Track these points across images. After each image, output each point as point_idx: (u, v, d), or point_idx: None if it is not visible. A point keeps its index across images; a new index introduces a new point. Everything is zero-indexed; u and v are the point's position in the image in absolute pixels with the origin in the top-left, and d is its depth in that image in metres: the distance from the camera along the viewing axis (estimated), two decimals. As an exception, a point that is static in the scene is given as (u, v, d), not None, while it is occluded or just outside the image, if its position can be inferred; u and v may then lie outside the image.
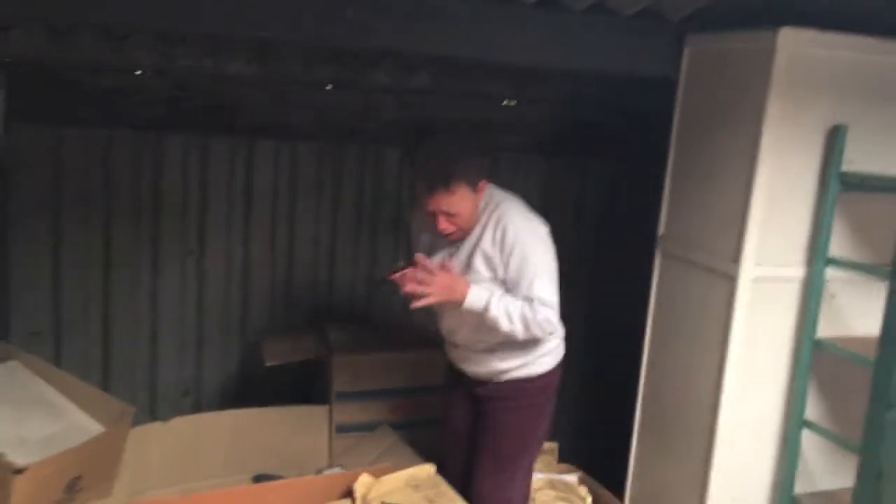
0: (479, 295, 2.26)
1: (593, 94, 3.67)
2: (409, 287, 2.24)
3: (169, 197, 3.34)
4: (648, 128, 3.10)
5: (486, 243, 2.33)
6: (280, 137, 3.45)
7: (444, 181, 2.20)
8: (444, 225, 2.28)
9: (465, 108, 3.58)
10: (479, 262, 2.33)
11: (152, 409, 3.44)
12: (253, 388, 3.52)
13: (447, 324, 2.51)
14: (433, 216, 2.28)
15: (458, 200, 2.25)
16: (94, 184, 3.23)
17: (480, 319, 2.29)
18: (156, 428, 2.92)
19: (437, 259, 2.40)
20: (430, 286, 2.23)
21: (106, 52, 3.10)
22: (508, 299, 2.28)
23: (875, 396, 0.73)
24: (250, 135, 3.41)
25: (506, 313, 2.25)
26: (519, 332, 2.28)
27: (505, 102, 3.61)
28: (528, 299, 2.27)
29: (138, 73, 3.16)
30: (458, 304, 2.26)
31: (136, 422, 2.79)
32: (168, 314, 3.43)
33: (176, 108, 3.25)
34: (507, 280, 2.32)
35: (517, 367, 2.46)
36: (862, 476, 0.75)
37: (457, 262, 2.38)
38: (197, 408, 3.45)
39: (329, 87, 3.40)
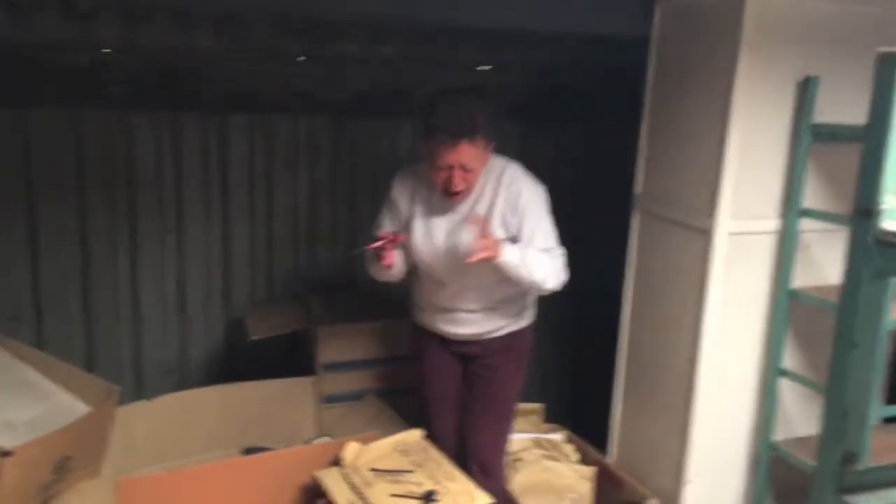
0: (510, 248, 2.30)
1: (566, 56, 3.66)
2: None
3: (143, 175, 3.31)
4: (623, 88, 3.11)
5: (501, 204, 2.37)
6: (252, 111, 3.42)
7: (470, 131, 2.22)
8: (459, 180, 2.28)
9: (436, 76, 3.56)
10: (496, 224, 2.37)
11: (138, 389, 3.44)
12: (238, 363, 3.53)
13: (447, 288, 2.48)
14: (448, 172, 2.27)
15: (477, 154, 2.28)
16: (65, 165, 3.19)
17: (500, 276, 2.33)
18: (142, 406, 2.92)
19: (438, 226, 2.41)
20: (487, 242, 2.23)
21: (70, 30, 3.05)
22: (530, 250, 2.34)
23: (839, 337, 0.76)
24: (222, 109, 3.37)
25: (537, 261, 2.32)
26: (546, 280, 2.35)
27: (478, 68, 3.60)
28: (546, 251, 2.37)
29: (105, 51, 3.12)
30: (496, 258, 2.26)
31: (123, 401, 2.79)
32: (149, 293, 3.41)
33: (145, 85, 3.20)
34: (520, 237, 2.37)
35: (510, 321, 2.54)
36: (828, 414, 0.78)
37: (468, 229, 2.36)
38: (183, 385, 3.45)
39: (300, 58, 3.37)
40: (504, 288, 2.45)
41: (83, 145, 3.20)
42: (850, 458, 0.77)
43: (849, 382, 0.73)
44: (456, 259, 2.40)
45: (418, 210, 2.46)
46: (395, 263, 2.42)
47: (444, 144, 2.24)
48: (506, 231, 2.39)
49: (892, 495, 0.80)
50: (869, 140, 0.72)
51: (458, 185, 2.30)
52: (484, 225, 2.30)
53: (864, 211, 0.73)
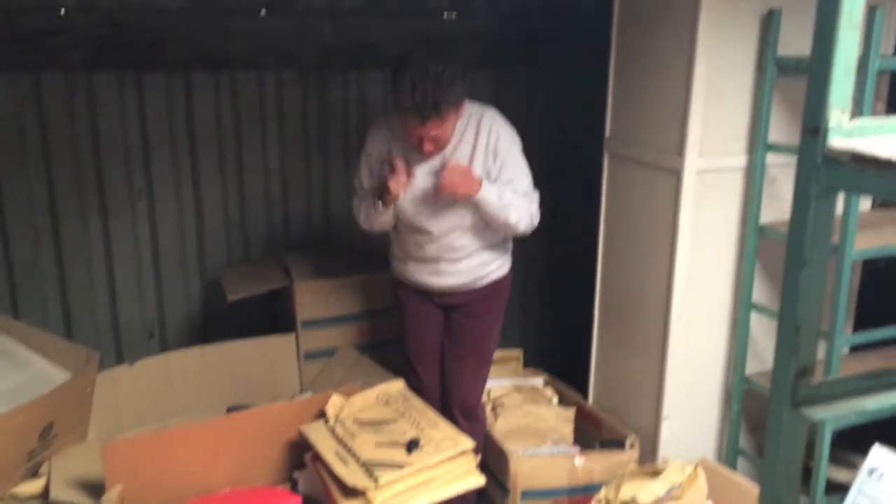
0: (489, 187, 2.36)
1: (533, 1, 3.63)
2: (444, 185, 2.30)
3: (108, 138, 3.26)
4: (591, 30, 3.09)
5: (481, 150, 2.40)
6: (217, 68, 3.36)
7: (436, 110, 2.22)
8: (430, 147, 2.32)
9: (405, 28, 3.52)
10: (478, 168, 2.40)
11: (118, 354, 3.44)
12: (217, 324, 3.53)
13: (428, 237, 2.49)
14: (418, 139, 2.30)
15: (446, 126, 2.30)
16: (28, 130, 3.13)
17: (479, 219, 2.40)
18: (124, 370, 2.93)
19: (418, 173, 2.42)
20: (454, 179, 2.30)
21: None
22: (507, 192, 2.39)
23: (790, 255, 0.78)
24: (186, 68, 3.31)
25: (513, 202, 2.38)
26: (520, 221, 2.41)
27: (445, 16, 3.56)
28: (524, 194, 2.43)
29: (62, 13, 3.04)
30: (473, 195, 2.33)
31: (103, 366, 2.80)
32: (123, 258, 3.39)
33: (105, 46, 3.13)
34: (498, 181, 2.41)
35: (494, 270, 2.58)
36: (782, 330, 0.80)
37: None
38: (163, 349, 3.46)
39: (263, 12, 3.31)
40: (484, 233, 2.48)
41: (45, 110, 3.14)
42: (803, 372, 0.80)
43: (800, 298, 0.75)
44: (437, 204, 2.41)
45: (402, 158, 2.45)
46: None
47: (412, 120, 2.25)
48: (486, 176, 2.41)
49: (848, 406, 0.83)
50: (814, 55, 0.73)
51: (430, 148, 2.33)
52: (464, 165, 2.35)
53: (811, 129, 0.74)
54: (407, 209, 2.46)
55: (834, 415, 0.79)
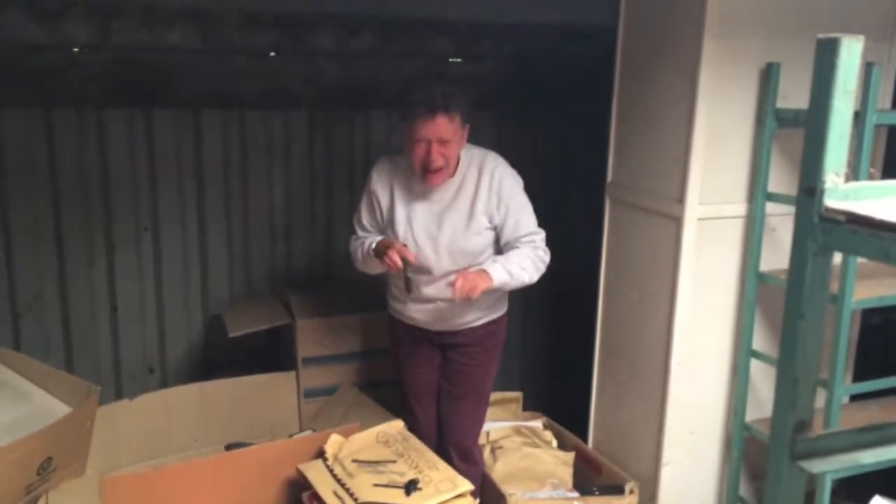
0: (498, 270, 2.38)
1: (536, 47, 3.70)
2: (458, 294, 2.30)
3: (117, 174, 3.30)
4: (593, 77, 3.15)
5: (483, 194, 2.42)
6: (225, 107, 3.42)
7: (446, 105, 2.27)
8: (437, 155, 2.31)
9: (409, 69, 3.58)
10: (479, 212, 2.42)
11: (118, 389, 3.44)
12: (218, 360, 3.53)
13: (427, 278, 2.49)
14: (426, 146, 2.31)
15: (454, 130, 2.32)
16: (38, 165, 3.17)
17: (477, 263, 2.43)
18: (124, 405, 2.93)
19: (420, 214, 2.44)
20: (469, 287, 2.30)
21: (38, 30, 3.04)
22: (514, 257, 2.42)
23: (788, 310, 0.80)
24: (195, 106, 3.37)
25: (522, 269, 2.41)
26: (533, 278, 2.45)
27: (450, 60, 3.63)
28: (528, 236, 2.45)
29: (75, 49, 3.11)
30: (490, 286, 2.35)
31: (103, 401, 2.79)
32: (126, 291, 3.40)
33: (116, 83, 3.19)
34: (503, 225, 2.44)
35: (489, 311, 2.60)
36: (780, 383, 0.82)
37: (452, 217, 2.42)
38: (163, 384, 3.46)
39: (272, 53, 3.38)
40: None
41: (56, 145, 3.19)
42: (801, 425, 0.81)
43: (798, 351, 0.77)
44: (438, 247, 2.43)
45: (399, 199, 2.48)
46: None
47: (422, 118, 2.28)
48: (488, 220, 2.43)
49: (844, 460, 0.85)
50: (811, 121, 0.76)
51: (437, 160, 2.32)
52: (466, 275, 2.34)
53: (807, 189, 0.77)
54: (409, 247, 2.45)
55: (832, 468, 0.80)
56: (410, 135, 2.33)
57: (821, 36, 0.73)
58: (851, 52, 0.74)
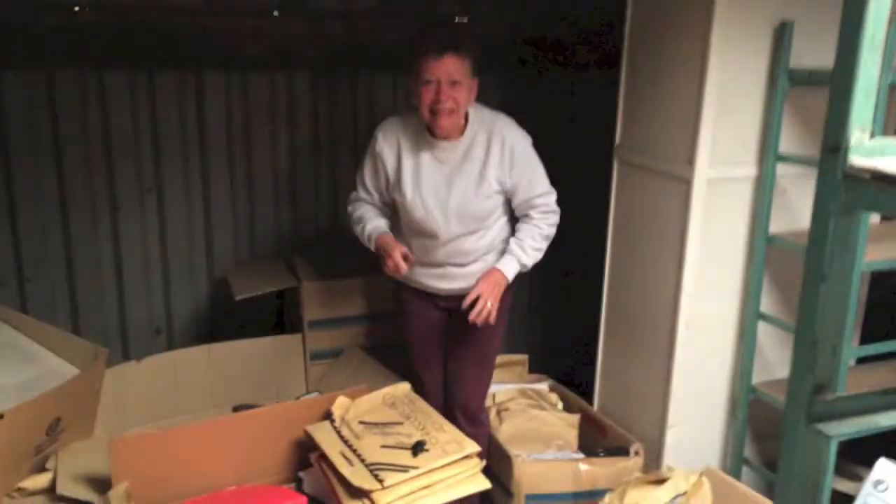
0: (512, 265, 2.44)
1: (544, 6, 3.64)
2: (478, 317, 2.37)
3: (120, 135, 3.27)
4: (602, 37, 3.10)
5: (495, 158, 2.38)
6: (229, 68, 3.37)
7: (455, 45, 2.23)
8: (446, 96, 2.25)
9: (415, 30, 3.52)
10: (490, 177, 2.39)
11: (125, 350, 3.45)
12: (224, 323, 3.54)
13: (438, 243, 2.47)
14: (434, 86, 2.26)
15: (464, 71, 2.27)
16: (40, 127, 3.14)
17: (486, 225, 2.46)
18: (131, 367, 2.95)
19: (429, 178, 2.41)
20: (489, 298, 2.37)
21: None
22: (526, 238, 2.45)
23: (808, 271, 0.78)
24: (197, 67, 3.33)
25: (537, 251, 2.47)
26: (548, 242, 2.51)
27: (456, 20, 3.58)
28: (541, 197, 2.45)
29: (75, 9, 3.06)
30: (508, 281, 2.44)
31: (110, 362, 2.81)
32: (131, 254, 3.40)
33: (117, 44, 3.15)
34: (515, 186, 2.42)
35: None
36: (799, 345, 0.81)
37: (462, 180, 2.39)
38: (170, 346, 3.47)
39: (275, 13, 3.33)
40: (490, 237, 2.48)
41: (58, 106, 3.16)
42: (820, 387, 0.80)
43: (818, 314, 0.76)
44: (447, 210, 2.40)
45: (406, 161, 2.42)
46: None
47: (431, 57, 2.23)
48: (499, 184, 2.41)
49: (862, 422, 0.84)
50: (836, 75, 0.74)
51: (446, 100, 2.26)
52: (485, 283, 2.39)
53: (831, 147, 0.75)
54: (416, 215, 2.43)
55: (849, 431, 0.79)
56: (418, 77, 2.28)
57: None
58: (881, 4, 0.71)
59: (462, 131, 2.38)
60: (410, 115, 2.42)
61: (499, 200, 2.45)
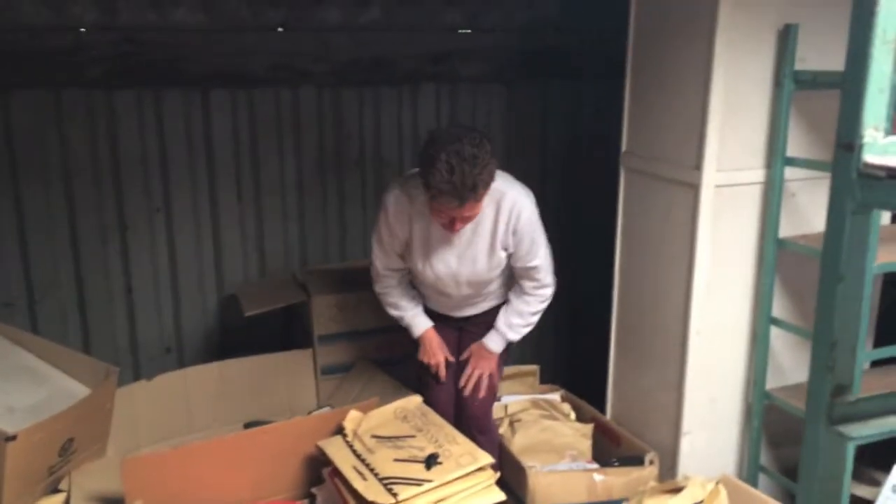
0: (499, 342, 2.61)
1: (548, 16, 3.65)
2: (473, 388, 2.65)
3: (128, 154, 3.28)
4: (606, 45, 3.10)
5: (501, 228, 2.40)
6: (234, 85, 3.39)
7: (474, 192, 2.18)
8: (460, 226, 2.31)
9: (420, 42, 3.54)
10: (499, 245, 2.43)
11: (135, 369, 3.45)
12: (234, 339, 3.54)
13: (449, 298, 2.59)
14: (449, 217, 2.26)
15: (481, 204, 2.28)
16: (48, 147, 3.16)
17: (498, 279, 2.57)
18: (142, 386, 2.94)
19: (439, 249, 2.45)
20: (482, 372, 2.63)
21: (45, 11, 3.03)
22: (514, 317, 2.58)
23: (825, 271, 0.77)
24: (203, 85, 3.34)
25: (525, 327, 2.62)
26: (538, 316, 2.63)
27: (460, 31, 3.59)
28: (534, 271, 2.51)
29: (82, 30, 3.09)
30: (498, 353, 2.65)
31: (121, 382, 2.81)
32: (141, 272, 3.40)
33: (124, 63, 3.17)
34: (516, 255, 2.47)
35: (506, 294, 2.66)
36: (817, 346, 0.80)
37: (472, 251, 2.44)
38: (181, 364, 3.46)
39: (279, 29, 3.34)
40: (505, 277, 2.59)
41: (66, 127, 3.17)
42: (840, 389, 0.79)
43: (836, 314, 0.75)
44: (458, 279, 2.48)
45: (417, 234, 2.44)
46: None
47: (449, 204, 2.19)
48: (505, 252, 2.46)
49: (883, 424, 0.82)
50: (848, 73, 0.73)
51: (459, 228, 2.32)
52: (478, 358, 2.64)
53: (845, 145, 0.74)
54: (426, 281, 2.53)
55: (871, 433, 0.78)
56: (434, 207, 2.26)
57: (860, -19, 0.69)
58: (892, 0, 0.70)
59: None
60: (418, 185, 2.30)
61: (505, 261, 2.50)
